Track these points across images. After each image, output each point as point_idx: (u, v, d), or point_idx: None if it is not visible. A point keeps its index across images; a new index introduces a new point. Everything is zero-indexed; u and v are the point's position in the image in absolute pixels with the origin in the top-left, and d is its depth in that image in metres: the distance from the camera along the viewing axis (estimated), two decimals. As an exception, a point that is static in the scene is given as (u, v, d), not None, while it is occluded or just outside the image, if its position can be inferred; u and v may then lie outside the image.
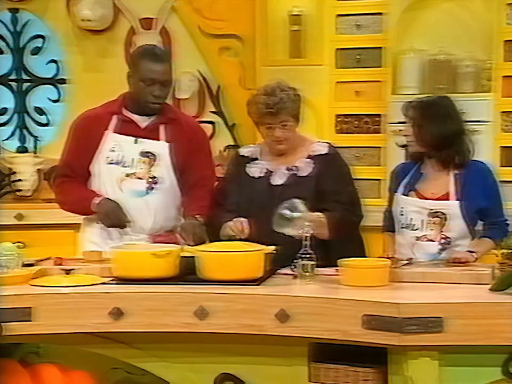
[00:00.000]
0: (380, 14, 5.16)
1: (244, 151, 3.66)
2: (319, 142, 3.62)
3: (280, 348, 2.90)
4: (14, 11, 5.62)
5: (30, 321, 2.83)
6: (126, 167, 3.54)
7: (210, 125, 5.65)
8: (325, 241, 3.36)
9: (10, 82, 5.65)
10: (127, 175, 3.54)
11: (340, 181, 3.50)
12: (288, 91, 3.45)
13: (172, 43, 5.59)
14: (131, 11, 5.58)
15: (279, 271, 3.17)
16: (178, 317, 2.84)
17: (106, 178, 3.55)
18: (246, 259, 3.01)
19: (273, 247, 3.07)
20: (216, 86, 5.61)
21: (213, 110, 5.64)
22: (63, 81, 5.66)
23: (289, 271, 3.13)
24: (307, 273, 3.03)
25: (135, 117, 3.59)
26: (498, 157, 4.92)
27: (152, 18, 5.58)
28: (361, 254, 3.43)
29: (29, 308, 2.83)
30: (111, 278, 3.06)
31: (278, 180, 3.51)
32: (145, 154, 3.55)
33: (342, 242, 3.40)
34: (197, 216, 3.49)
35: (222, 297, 2.84)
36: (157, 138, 3.58)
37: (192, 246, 3.21)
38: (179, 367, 3.00)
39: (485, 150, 4.53)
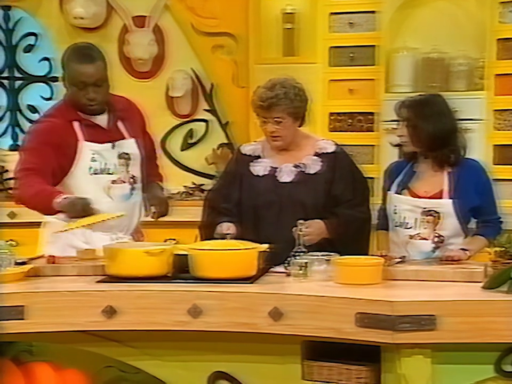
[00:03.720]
0: (373, 12, 5.17)
1: (245, 149, 3.61)
2: (323, 139, 3.62)
3: (274, 346, 2.90)
4: (6, 8, 5.61)
5: (23, 319, 2.83)
6: (110, 174, 3.49)
7: (203, 123, 5.66)
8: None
9: (2, 80, 5.64)
10: (113, 182, 3.50)
11: (349, 181, 3.50)
12: (289, 89, 3.43)
13: (165, 41, 5.59)
14: (124, 9, 5.57)
15: (272, 269, 3.17)
16: (171, 315, 2.84)
17: (93, 188, 3.44)
18: (240, 257, 3.01)
19: (266, 245, 3.07)
20: (209, 84, 5.60)
21: (206, 108, 5.64)
22: (55, 79, 5.64)
23: (282, 269, 3.13)
24: (301, 272, 3.03)
25: (94, 119, 3.49)
26: (491, 155, 4.94)
27: (145, 16, 5.57)
28: (366, 251, 3.43)
29: (22, 306, 2.83)
30: (104, 276, 3.05)
31: (286, 177, 3.49)
32: (122, 156, 3.52)
33: (351, 240, 3.42)
34: (159, 182, 3.60)
35: (215, 295, 2.84)
36: (123, 137, 3.54)
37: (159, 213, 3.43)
38: (172, 365, 2.99)
39: (478, 148, 4.54)
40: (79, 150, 3.45)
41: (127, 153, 3.53)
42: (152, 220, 3.57)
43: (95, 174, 3.48)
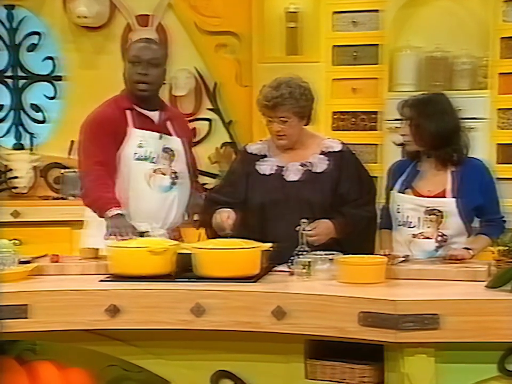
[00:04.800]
0: (376, 11, 5.16)
1: (251, 148, 3.61)
2: (329, 138, 3.62)
3: (277, 345, 2.90)
4: (10, 8, 5.61)
5: (26, 318, 2.83)
6: (153, 162, 3.56)
7: (207, 122, 5.66)
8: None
9: (6, 79, 5.64)
10: (154, 171, 3.56)
11: (356, 179, 3.50)
12: (294, 88, 3.42)
13: (168, 40, 5.58)
14: (127, 8, 5.57)
15: (275, 268, 3.17)
16: (174, 314, 2.84)
17: (135, 174, 3.54)
18: (243, 256, 3.01)
19: (269, 244, 3.07)
20: (212, 83, 5.60)
21: (210, 107, 5.64)
22: (59, 78, 5.65)
23: (286, 268, 3.13)
24: (304, 270, 3.03)
25: (148, 112, 3.61)
26: (494, 154, 4.93)
27: (148, 15, 5.58)
28: (372, 250, 3.43)
29: (25, 305, 2.83)
30: (108, 275, 3.06)
31: (293, 176, 3.49)
32: (166, 150, 3.59)
33: (357, 239, 3.42)
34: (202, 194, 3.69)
35: (218, 294, 2.84)
36: (170, 134, 3.63)
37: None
38: (175, 364, 3.00)
39: (481, 147, 4.53)
40: (128, 135, 3.54)
41: (172, 149, 3.61)
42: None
43: (139, 159, 3.54)
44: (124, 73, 3.61)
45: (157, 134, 3.58)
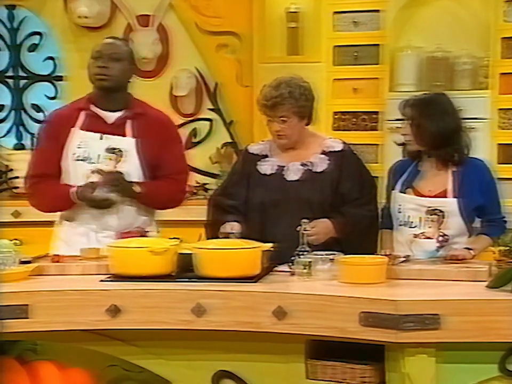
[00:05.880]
0: (377, 11, 5.17)
1: (253, 148, 3.61)
2: (330, 138, 3.62)
3: (278, 345, 2.90)
4: (11, 8, 5.62)
5: (27, 318, 2.83)
6: (91, 163, 3.54)
7: (207, 122, 5.66)
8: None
9: (7, 79, 5.65)
10: (93, 172, 3.53)
11: (357, 179, 3.50)
12: (294, 88, 3.43)
13: (169, 40, 5.59)
14: (128, 8, 5.57)
15: (276, 268, 3.17)
16: (175, 314, 2.84)
17: (74, 174, 3.55)
18: (243, 256, 3.01)
19: (270, 244, 3.07)
20: (213, 83, 5.60)
21: (210, 107, 5.64)
22: (60, 78, 5.66)
23: (286, 268, 3.13)
24: (305, 270, 3.03)
25: (103, 113, 3.58)
26: (495, 154, 4.93)
27: (149, 15, 5.58)
28: (373, 250, 3.43)
29: (26, 305, 2.83)
30: (108, 275, 3.06)
31: (293, 175, 3.49)
32: (111, 150, 3.55)
33: (358, 239, 3.42)
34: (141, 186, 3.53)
35: (219, 294, 2.84)
36: (124, 134, 3.57)
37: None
38: (176, 364, 2.99)
39: (482, 147, 4.52)
40: (70, 136, 3.55)
41: (118, 149, 3.55)
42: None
43: (77, 160, 3.54)
44: (87, 70, 3.60)
45: (97, 135, 3.55)
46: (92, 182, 3.49)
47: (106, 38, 3.70)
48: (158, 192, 3.59)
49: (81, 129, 3.57)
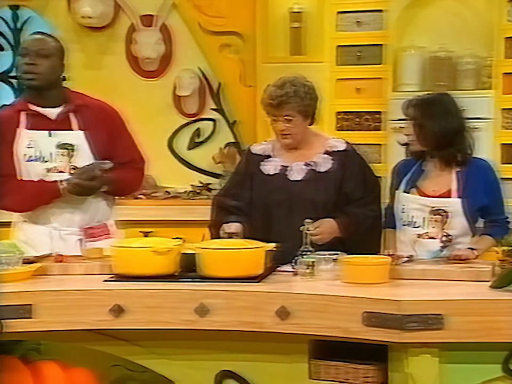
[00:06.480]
0: (380, 11, 5.16)
1: (256, 148, 3.61)
2: (334, 138, 3.63)
3: (281, 345, 2.90)
4: (15, 8, 5.63)
5: (31, 318, 2.84)
6: (45, 162, 3.48)
7: (211, 122, 5.66)
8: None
9: (10, 79, 5.65)
10: (48, 170, 3.48)
11: (360, 179, 3.51)
12: (298, 87, 3.43)
13: (172, 40, 5.59)
14: (131, 8, 5.57)
15: (279, 268, 3.17)
16: (178, 314, 2.84)
17: (29, 176, 3.47)
18: (247, 256, 3.01)
19: (273, 244, 3.07)
20: (216, 83, 5.61)
21: (214, 107, 5.64)
22: (63, 78, 5.65)
23: (289, 268, 3.13)
24: (308, 271, 3.03)
25: (43, 110, 3.50)
26: (499, 154, 4.93)
27: (152, 15, 5.58)
28: (377, 250, 3.43)
29: (29, 305, 2.84)
30: (112, 275, 3.06)
31: (296, 175, 3.49)
32: (62, 146, 3.49)
33: (362, 238, 3.43)
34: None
35: (222, 294, 2.84)
36: (70, 128, 3.51)
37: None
38: (180, 364, 3.00)
39: (485, 147, 4.53)
40: (17, 137, 3.47)
41: (69, 144, 3.49)
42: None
43: (30, 160, 3.47)
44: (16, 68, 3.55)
45: (45, 132, 3.48)
46: (84, 171, 3.40)
47: (33, 33, 3.60)
48: (124, 179, 3.55)
49: (27, 129, 3.48)
